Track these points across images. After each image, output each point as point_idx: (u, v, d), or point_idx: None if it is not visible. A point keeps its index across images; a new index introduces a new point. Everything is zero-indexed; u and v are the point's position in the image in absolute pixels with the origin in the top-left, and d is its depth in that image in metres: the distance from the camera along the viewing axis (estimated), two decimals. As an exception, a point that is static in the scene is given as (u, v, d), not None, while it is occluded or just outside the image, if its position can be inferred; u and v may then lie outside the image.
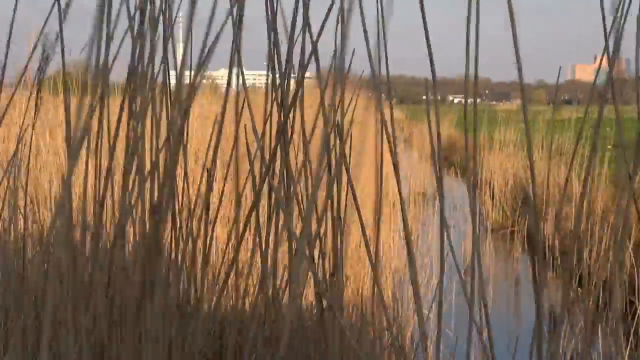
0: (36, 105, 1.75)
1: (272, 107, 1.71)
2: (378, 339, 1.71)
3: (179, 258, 1.75)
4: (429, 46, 1.34)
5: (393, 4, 1.41)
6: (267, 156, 1.68)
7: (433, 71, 1.36)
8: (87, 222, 1.67)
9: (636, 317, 5.59)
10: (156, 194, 1.62)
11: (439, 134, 1.33)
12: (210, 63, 1.67)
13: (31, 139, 2.14)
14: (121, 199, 1.67)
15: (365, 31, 1.41)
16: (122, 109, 1.70)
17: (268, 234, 1.72)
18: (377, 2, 1.46)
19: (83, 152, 1.72)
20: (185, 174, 1.85)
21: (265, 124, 1.65)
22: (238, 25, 1.60)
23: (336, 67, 1.52)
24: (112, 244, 1.68)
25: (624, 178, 1.20)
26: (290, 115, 1.67)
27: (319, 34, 1.59)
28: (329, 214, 1.67)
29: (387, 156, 1.58)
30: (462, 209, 11.21)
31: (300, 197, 1.72)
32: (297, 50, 1.67)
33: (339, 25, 1.52)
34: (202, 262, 1.76)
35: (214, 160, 1.72)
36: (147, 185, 1.64)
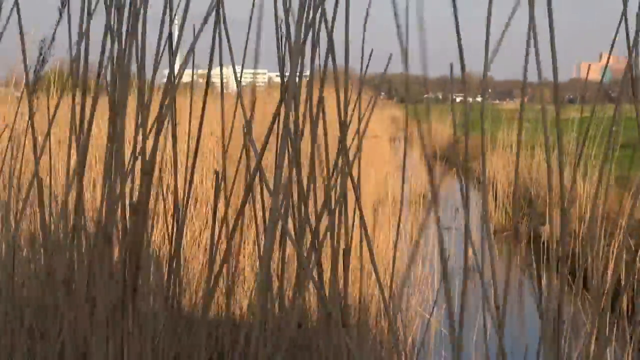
0: (30, 109, 1.75)
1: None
2: (379, 343, 1.71)
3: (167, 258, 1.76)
4: (458, 42, 1.34)
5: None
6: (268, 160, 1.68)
7: (463, 67, 1.36)
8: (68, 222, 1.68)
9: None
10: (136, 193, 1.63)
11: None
12: (205, 61, 1.67)
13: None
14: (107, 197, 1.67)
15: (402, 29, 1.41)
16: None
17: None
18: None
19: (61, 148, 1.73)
20: (176, 175, 1.85)
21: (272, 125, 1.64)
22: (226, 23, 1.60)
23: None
24: (93, 245, 1.68)
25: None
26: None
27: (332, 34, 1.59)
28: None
29: (386, 156, 1.58)
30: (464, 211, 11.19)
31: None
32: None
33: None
34: (208, 267, 1.76)
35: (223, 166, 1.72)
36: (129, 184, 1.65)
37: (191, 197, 1.78)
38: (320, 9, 1.55)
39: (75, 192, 1.67)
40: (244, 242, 5.22)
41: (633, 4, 1.40)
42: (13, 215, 1.92)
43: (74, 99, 1.69)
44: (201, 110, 1.77)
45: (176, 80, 1.64)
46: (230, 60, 1.71)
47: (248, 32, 1.65)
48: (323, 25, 1.58)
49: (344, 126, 1.59)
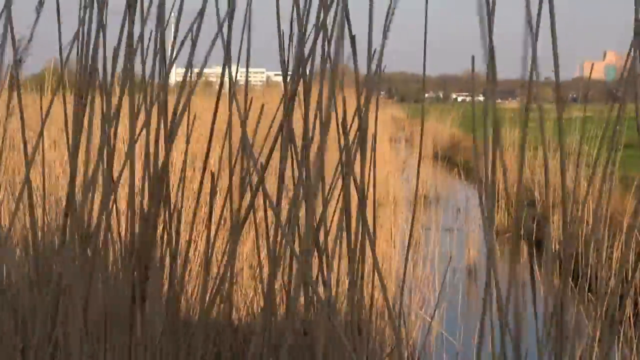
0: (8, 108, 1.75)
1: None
2: (379, 346, 1.71)
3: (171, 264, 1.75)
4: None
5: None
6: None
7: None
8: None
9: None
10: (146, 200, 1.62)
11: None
12: (202, 60, 1.67)
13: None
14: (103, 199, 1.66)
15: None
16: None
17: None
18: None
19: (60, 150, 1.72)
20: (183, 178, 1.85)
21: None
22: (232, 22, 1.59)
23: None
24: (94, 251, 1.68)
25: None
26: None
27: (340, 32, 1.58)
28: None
29: (387, 155, 1.58)
30: (466, 212, 11.21)
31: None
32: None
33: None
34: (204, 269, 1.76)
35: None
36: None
37: (190, 199, 1.77)
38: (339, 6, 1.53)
39: (68, 194, 1.67)
40: (242, 244, 5.21)
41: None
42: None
43: (64, 99, 1.69)
44: (214, 110, 1.75)
45: (194, 85, 1.63)
46: (251, 58, 1.69)
47: (246, 30, 1.65)
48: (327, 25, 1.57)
49: (362, 131, 1.58)
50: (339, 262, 1.66)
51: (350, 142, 1.58)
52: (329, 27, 1.56)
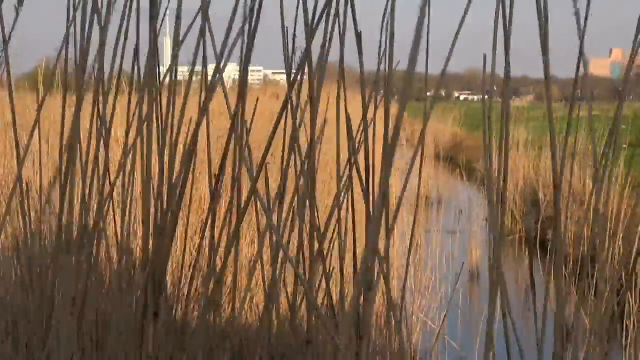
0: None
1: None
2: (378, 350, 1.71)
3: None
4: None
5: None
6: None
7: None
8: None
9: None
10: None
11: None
12: (200, 58, 1.67)
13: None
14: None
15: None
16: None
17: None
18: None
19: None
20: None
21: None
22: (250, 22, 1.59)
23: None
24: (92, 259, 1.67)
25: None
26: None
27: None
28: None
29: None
30: (469, 213, 11.20)
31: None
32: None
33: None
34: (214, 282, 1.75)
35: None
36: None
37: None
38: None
39: (60, 198, 1.66)
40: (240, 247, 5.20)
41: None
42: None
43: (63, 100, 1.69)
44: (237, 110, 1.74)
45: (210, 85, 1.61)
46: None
47: (248, 28, 1.64)
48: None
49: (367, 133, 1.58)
50: (341, 266, 1.66)
51: (357, 144, 1.58)
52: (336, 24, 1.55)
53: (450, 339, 5.82)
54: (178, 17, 1.62)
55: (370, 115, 1.59)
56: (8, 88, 1.76)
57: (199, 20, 1.64)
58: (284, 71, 1.64)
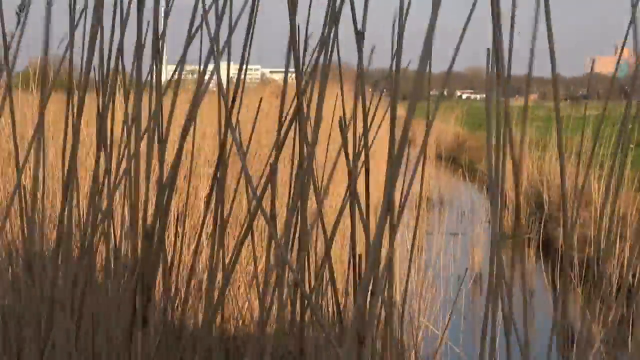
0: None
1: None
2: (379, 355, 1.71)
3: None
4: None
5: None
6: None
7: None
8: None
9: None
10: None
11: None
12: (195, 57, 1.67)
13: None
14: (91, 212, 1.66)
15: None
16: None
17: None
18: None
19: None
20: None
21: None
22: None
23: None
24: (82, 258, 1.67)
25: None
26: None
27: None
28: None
29: (385, 156, 1.58)
30: (471, 214, 11.21)
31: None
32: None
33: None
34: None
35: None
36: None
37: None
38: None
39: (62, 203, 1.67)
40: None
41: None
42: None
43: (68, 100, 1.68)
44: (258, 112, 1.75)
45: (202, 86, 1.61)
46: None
47: (250, 28, 1.65)
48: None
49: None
50: (346, 271, 1.66)
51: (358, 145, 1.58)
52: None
53: (453, 344, 5.82)
54: (166, 16, 1.62)
55: (370, 115, 1.59)
56: (8, 95, 1.76)
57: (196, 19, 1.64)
58: (281, 70, 1.64)
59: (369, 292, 1.45)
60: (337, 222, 1.56)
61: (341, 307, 1.63)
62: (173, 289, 1.79)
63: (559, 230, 10.42)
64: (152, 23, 1.63)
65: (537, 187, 12.88)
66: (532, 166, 13.45)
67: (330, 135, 1.73)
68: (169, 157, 1.63)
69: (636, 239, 7.61)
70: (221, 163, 1.67)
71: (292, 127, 1.61)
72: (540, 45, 1.32)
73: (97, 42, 1.66)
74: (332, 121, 1.71)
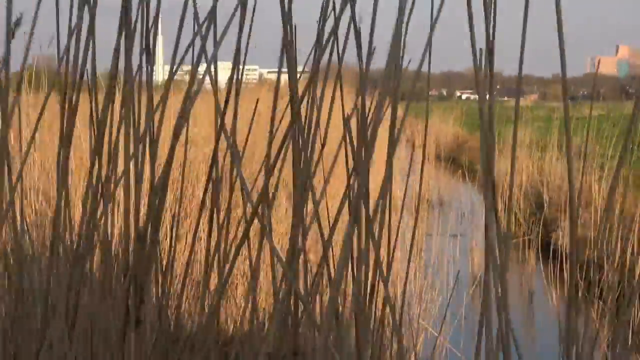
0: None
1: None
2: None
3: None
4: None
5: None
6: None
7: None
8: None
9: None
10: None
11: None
12: (190, 56, 1.67)
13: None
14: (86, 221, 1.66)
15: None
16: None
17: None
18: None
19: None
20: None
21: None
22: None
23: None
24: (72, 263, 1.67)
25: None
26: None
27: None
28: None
29: (385, 157, 1.58)
30: (471, 216, 11.21)
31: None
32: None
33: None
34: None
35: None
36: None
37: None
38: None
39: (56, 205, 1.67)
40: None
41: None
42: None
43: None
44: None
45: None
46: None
47: (250, 26, 1.64)
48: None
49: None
50: (346, 274, 1.66)
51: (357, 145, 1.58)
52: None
53: (453, 347, 5.82)
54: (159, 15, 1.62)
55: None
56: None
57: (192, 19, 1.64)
58: (279, 70, 1.64)
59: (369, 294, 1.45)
60: (335, 221, 1.56)
61: (339, 310, 1.63)
62: (168, 290, 1.78)
63: (559, 232, 10.43)
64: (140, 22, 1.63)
65: (537, 188, 12.88)
66: (532, 167, 13.46)
67: (326, 135, 1.73)
68: (162, 158, 1.63)
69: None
70: (215, 164, 1.67)
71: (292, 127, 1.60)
72: (540, 46, 1.33)
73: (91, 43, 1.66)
74: (329, 122, 1.71)
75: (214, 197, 1.72)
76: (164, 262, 1.76)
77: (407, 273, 1.91)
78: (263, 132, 1.74)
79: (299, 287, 1.59)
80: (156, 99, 1.68)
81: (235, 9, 1.60)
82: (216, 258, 1.70)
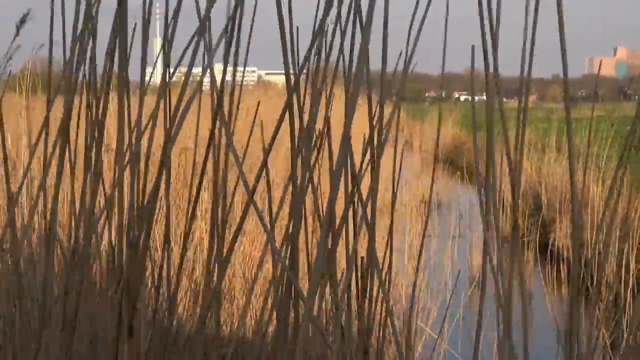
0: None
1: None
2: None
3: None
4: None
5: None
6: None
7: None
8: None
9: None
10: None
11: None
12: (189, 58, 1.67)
13: None
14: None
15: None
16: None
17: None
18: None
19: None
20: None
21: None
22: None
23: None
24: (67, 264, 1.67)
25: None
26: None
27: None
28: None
29: (386, 159, 1.58)
30: (470, 218, 11.20)
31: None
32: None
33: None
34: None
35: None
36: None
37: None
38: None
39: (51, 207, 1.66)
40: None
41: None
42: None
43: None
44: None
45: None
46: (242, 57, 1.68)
47: (233, 27, 1.64)
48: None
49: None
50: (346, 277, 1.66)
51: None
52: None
53: (452, 348, 5.82)
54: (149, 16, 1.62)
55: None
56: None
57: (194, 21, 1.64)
58: (278, 71, 1.64)
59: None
60: (339, 226, 1.56)
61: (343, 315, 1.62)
62: (162, 293, 1.78)
63: (557, 233, 10.43)
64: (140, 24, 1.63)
65: (535, 189, 12.88)
66: (531, 168, 13.46)
67: (329, 134, 1.73)
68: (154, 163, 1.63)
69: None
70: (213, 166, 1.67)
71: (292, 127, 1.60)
72: (538, 46, 1.33)
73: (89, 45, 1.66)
74: (328, 122, 1.71)
75: (215, 197, 1.72)
76: (157, 265, 1.75)
77: (415, 279, 1.91)
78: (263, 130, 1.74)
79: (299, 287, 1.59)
80: (154, 100, 1.68)
81: (235, 9, 1.60)
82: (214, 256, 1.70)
